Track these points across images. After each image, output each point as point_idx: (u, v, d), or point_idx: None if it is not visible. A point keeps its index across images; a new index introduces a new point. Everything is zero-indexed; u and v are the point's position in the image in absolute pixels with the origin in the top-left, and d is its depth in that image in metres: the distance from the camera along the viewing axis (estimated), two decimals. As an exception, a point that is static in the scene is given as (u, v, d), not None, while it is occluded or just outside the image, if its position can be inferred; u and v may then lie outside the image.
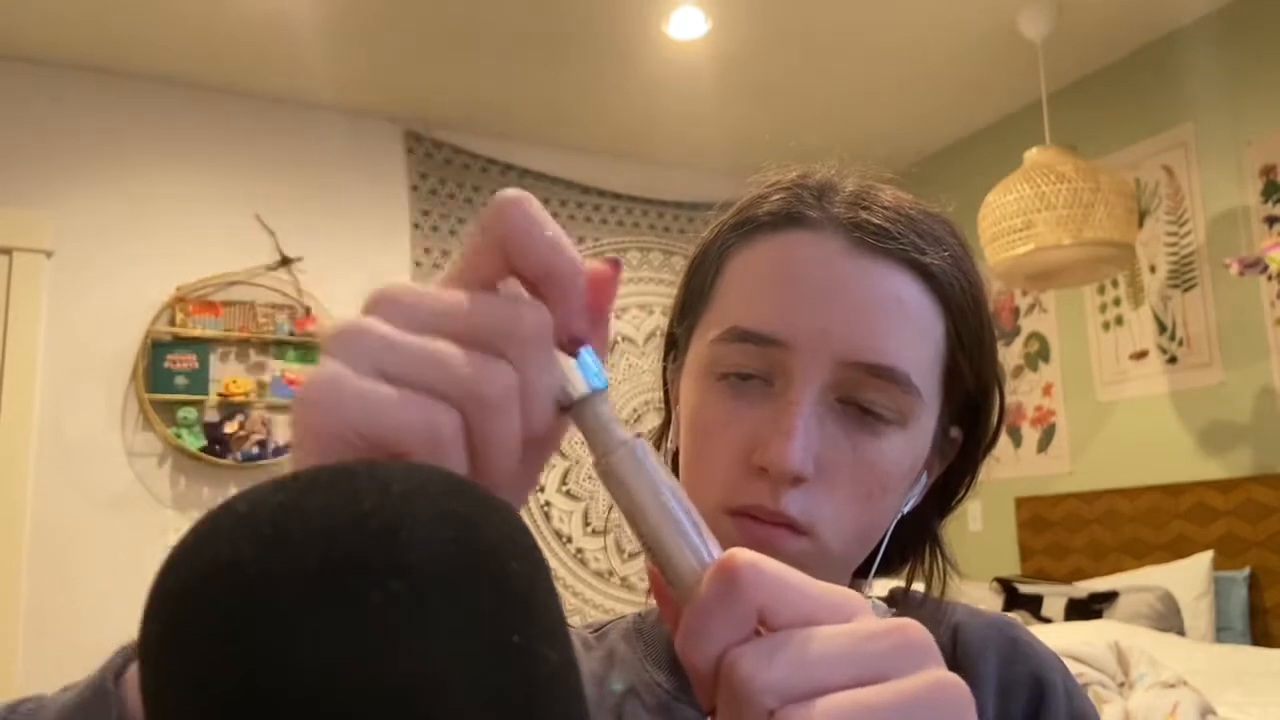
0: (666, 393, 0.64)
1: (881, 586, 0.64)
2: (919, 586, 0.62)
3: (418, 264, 3.82)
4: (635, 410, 4.03)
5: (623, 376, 4.12)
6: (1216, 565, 2.99)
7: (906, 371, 0.52)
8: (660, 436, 0.64)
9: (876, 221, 0.54)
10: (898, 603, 0.62)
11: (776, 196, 0.57)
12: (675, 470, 0.58)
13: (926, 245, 0.54)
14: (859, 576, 0.62)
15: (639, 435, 0.31)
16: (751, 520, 0.51)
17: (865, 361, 0.51)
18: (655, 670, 0.59)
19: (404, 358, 0.28)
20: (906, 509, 0.57)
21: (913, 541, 0.62)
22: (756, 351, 0.53)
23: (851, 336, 0.51)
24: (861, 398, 0.52)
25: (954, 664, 0.54)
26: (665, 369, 0.64)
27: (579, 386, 0.31)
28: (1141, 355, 3.38)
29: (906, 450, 0.53)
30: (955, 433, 0.60)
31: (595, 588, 3.93)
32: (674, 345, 0.62)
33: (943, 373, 0.55)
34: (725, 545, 0.30)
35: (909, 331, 0.52)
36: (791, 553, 0.51)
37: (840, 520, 0.52)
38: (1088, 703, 0.57)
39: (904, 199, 0.57)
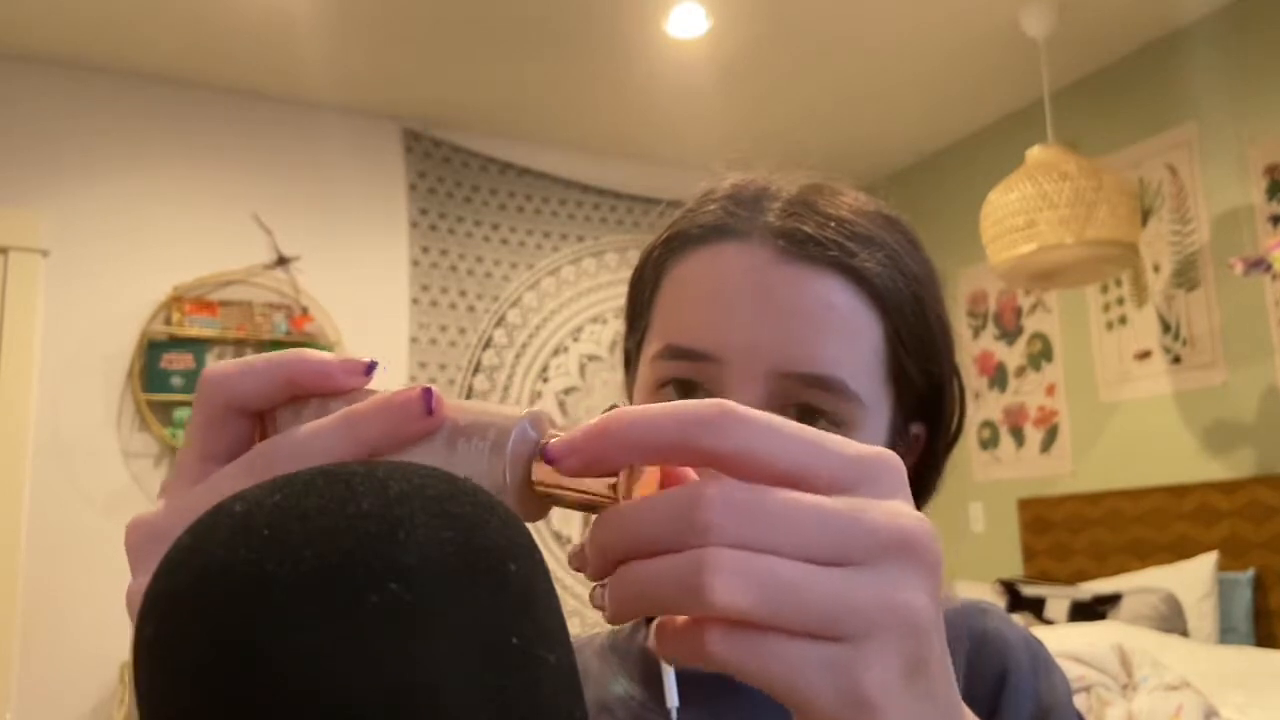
0: None
1: None
2: None
3: (415, 263, 3.81)
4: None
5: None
6: (1220, 566, 2.98)
7: (842, 378, 0.52)
8: None
9: (806, 229, 0.54)
10: None
11: (708, 208, 0.57)
12: None
13: (858, 248, 0.54)
14: None
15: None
16: None
17: (798, 372, 0.51)
18: (629, 684, 0.59)
19: None
20: None
21: None
22: (692, 368, 0.53)
23: (782, 348, 0.51)
24: (801, 406, 0.52)
25: None
26: (627, 383, 0.65)
27: None
28: (1145, 355, 3.37)
29: None
30: (917, 429, 0.59)
31: (595, 588, 3.92)
32: (629, 361, 0.63)
33: (887, 374, 0.55)
34: None
35: (842, 337, 0.52)
36: None
37: None
38: (1058, 677, 0.57)
39: (846, 202, 0.57)
